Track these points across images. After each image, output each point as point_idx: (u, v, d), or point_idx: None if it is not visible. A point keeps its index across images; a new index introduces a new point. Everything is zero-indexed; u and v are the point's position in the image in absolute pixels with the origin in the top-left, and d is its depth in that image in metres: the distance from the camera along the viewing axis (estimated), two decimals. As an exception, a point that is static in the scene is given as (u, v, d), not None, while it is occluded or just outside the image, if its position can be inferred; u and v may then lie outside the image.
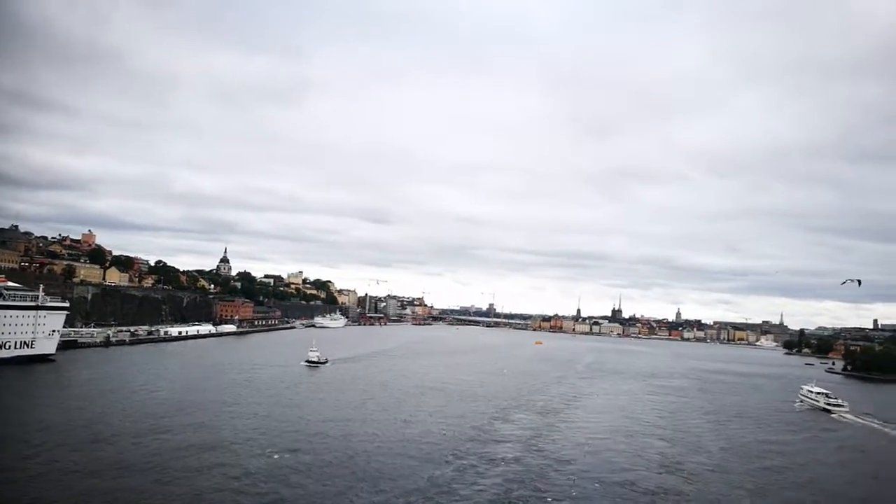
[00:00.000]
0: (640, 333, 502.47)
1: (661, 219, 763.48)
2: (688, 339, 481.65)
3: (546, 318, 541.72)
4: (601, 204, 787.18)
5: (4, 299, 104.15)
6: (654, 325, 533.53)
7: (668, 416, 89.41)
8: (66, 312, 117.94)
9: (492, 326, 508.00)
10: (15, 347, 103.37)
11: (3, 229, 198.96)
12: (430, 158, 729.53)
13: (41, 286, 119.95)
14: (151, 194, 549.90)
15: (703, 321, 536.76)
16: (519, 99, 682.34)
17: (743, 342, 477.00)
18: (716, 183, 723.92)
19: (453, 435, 66.39)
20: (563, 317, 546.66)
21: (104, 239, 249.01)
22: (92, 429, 59.16)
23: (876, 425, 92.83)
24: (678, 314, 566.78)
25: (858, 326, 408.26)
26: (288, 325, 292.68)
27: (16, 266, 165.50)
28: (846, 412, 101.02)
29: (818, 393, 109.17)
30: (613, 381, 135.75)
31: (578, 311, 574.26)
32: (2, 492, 40.59)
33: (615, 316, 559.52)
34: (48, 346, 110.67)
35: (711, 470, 58.19)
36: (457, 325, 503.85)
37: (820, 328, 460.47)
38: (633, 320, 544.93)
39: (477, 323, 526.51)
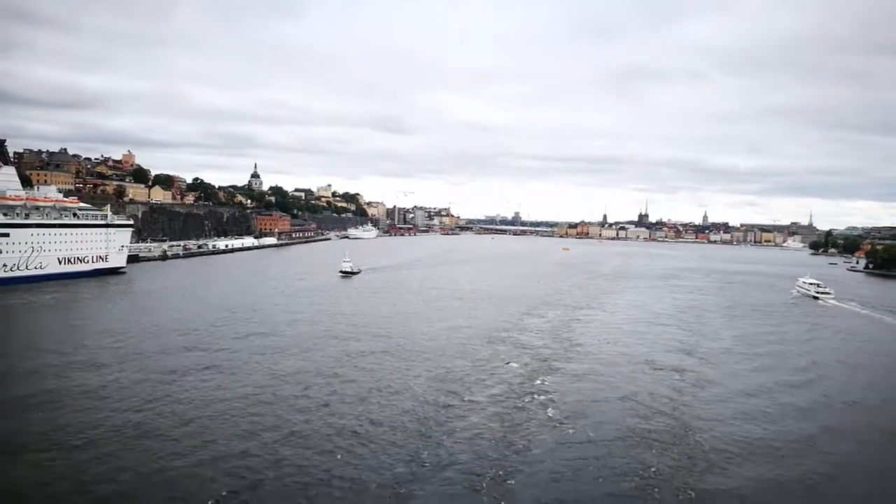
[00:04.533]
0: (666, 237, 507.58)
1: (680, 120, 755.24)
2: (714, 242, 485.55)
3: (572, 225, 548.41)
4: (615, 107, 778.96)
5: (79, 219, 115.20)
6: (681, 228, 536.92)
7: (686, 310, 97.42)
8: (131, 229, 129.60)
9: (518, 235, 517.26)
10: (92, 261, 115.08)
11: (53, 153, 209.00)
12: (440, 65, 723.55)
13: (109, 206, 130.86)
14: (168, 111, 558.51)
15: (730, 224, 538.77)
16: (525, 4, 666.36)
17: (770, 244, 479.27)
18: (733, 82, 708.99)
19: (487, 327, 75.60)
20: (590, 223, 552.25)
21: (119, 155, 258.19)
22: (182, 324, 69.63)
23: (853, 308, 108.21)
24: (705, 217, 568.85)
25: (890, 225, 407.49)
26: (323, 237, 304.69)
27: (72, 187, 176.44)
28: (831, 298, 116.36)
29: (810, 283, 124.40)
30: (637, 282, 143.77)
31: (605, 216, 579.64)
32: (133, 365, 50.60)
33: (641, 220, 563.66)
34: (119, 260, 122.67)
35: (723, 352, 66.89)
36: (483, 234, 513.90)
37: (850, 228, 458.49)
38: (659, 224, 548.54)
39: (504, 232, 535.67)
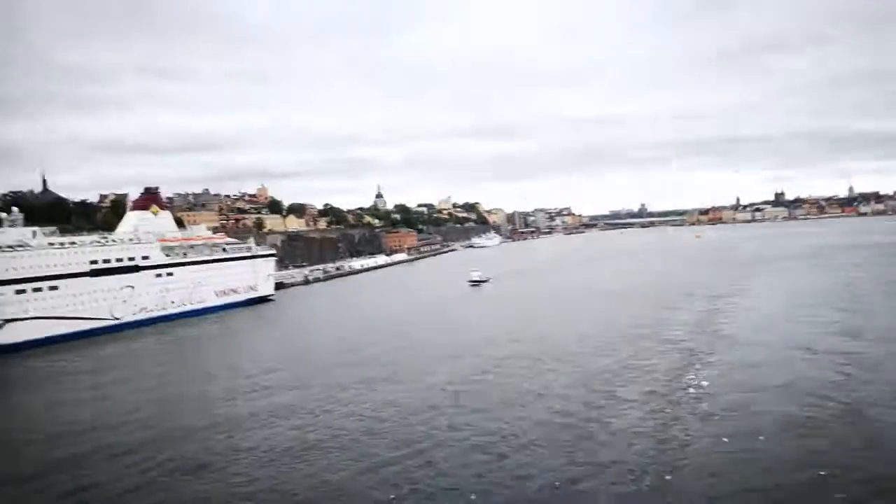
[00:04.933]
0: (807, 215, 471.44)
1: (809, 89, 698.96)
2: (864, 214, 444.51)
3: (703, 211, 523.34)
4: (738, 82, 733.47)
5: (228, 253, 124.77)
6: (824, 203, 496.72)
7: (841, 289, 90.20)
8: (275, 258, 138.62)
9: (646, 227, 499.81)
10: (244, 291, 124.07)
11: (198, 194, 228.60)
12: (545, 62, 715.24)
13: (251, 238, 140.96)
14: (290, 142, 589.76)
15: (881, 193, 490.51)
16: None
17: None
18: (864, 40, 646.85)
19: (625, 324, 73.33)
20: (721, 207, 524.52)
21: (252, 189, 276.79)
22: (335, 343, 73.26)
23: None
24: (850, 189, 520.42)
25: None
26: (449, 249, 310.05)
27: (217, 224, 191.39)
28: None
29: None
30: (780, 264, 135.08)
31: (737, 199, 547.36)
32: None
33: (778, 200, 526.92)
34: (268, 288, 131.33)
35: (888, 330, 61.17)
36: (609, 229, 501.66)
37: None
38: (798, 202, 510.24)
39: (630, 225, 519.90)
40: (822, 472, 30.78)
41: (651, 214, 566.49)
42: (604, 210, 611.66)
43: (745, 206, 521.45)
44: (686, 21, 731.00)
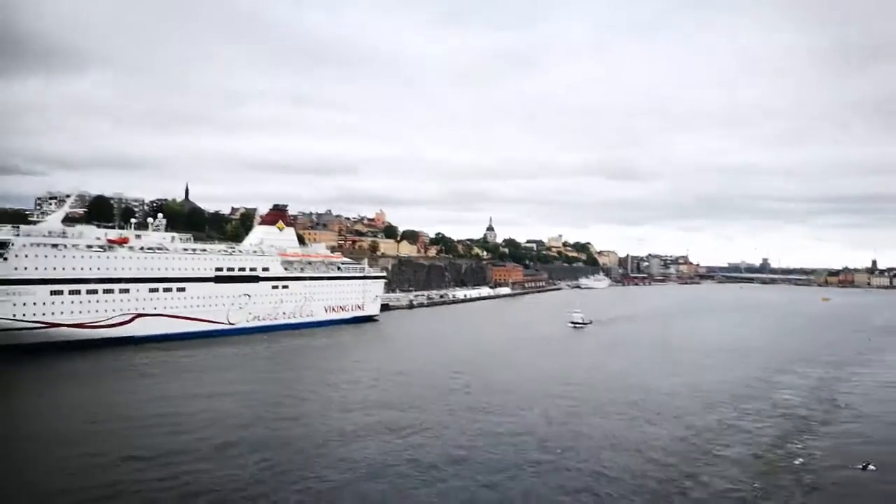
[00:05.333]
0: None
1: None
2: None
3: (833, 273, 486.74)
4: (885, 138, 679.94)
5: (342, 272, 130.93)
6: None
7: None
8: (384, 280, 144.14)
9: (767, 283, 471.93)
10: (351, 310, 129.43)
11: (320, 214, 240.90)
12: (677, 105, 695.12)
13: (365, 259, 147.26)
14: (410, 171, 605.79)
15: None
16: (766, 33, 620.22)
17: None
18: None
19: (733, 384, 70.12)
20: (855, 270, 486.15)
21: (371, 214, 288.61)
22: (430, 368, 75.22)
23: None
24: None
25: None
26: (554, 287, 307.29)
27: (335, 244, 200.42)
28: None
29: None
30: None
31: (874, 262, 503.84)
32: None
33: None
34: (374, 309, 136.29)
35: None
36: (726, 282, 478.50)
37: None
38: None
39: (750, 280, 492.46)
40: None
41: (773, 271, 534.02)
42: (722, 262, 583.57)
43: (882, 271, 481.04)
44: (831, 72, 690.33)
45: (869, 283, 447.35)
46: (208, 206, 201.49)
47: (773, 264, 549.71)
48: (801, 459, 43.58)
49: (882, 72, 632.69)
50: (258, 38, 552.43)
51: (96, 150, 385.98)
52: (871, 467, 42.02)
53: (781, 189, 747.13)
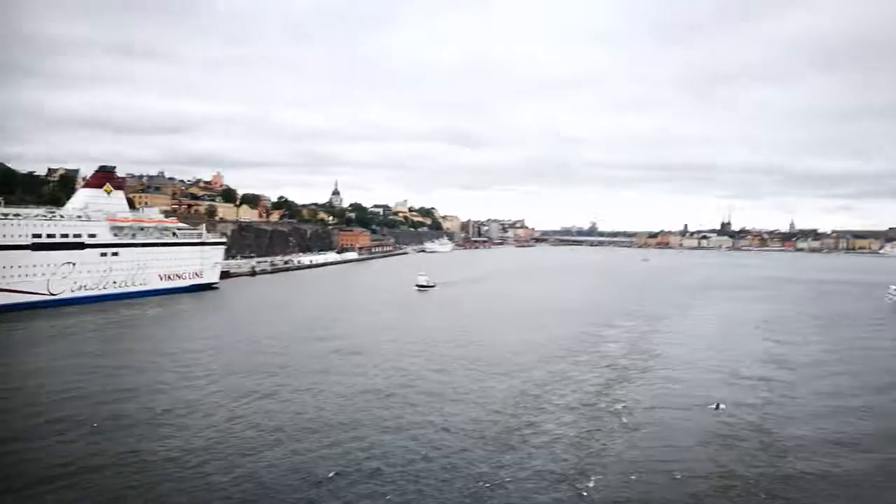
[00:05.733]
0: (750, 246, 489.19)
1: (769, 123, 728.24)
2: (801, 250, 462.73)
3: (652, 235, 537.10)
4: (699, 111, 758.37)
5: (178, 238, 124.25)
6: (766, 236, 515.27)
7: (773, 321, 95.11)
8: (224, 246, 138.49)
9: (595, 246, 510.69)
10: (189, 277, 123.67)
11: (152, 176, 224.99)
12: (514, 74, 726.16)
13: (203, 225, 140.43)
14: (253, 132, 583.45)
15: (819, 230, 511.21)
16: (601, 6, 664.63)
17: (865, 250, 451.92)
18: (825, 81, 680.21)
19: (563, 338, 76.78)
20: (670, 232, 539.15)
21: (209, 176, 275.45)
22: (274, 336, 74.55)
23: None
24: (792, 224, 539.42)
25: None
26: (401, 252, 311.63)
27: (168, 208, 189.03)
28: None
29: None
30: (717, 293, 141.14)
31: (685, 225, 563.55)
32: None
33: (724, 229, 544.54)
34: (213, 276, 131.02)
35: (810, 364, 65.96)
36: (560, 245, 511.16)
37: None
38: (743, 233, 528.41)
39: (580, 243, 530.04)
40: (727, 482, 34.32)
41: (601, 234, 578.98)
42: (555, 226, 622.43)
43: (692, 233, 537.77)
44: (661, 45, 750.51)
45: (681, 245, 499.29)
46: (20, 167, 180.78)
47: (601, 227, 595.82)
48: (623, 404, 49.02)
49: (703, 50, 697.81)
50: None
51: None
52: (721, 406, 48.10)
53: (608, 157, 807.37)
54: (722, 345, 75.43)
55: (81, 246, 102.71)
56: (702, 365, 63.92)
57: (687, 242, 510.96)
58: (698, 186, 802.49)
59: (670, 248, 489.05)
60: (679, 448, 39.68)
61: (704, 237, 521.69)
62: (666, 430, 43.17)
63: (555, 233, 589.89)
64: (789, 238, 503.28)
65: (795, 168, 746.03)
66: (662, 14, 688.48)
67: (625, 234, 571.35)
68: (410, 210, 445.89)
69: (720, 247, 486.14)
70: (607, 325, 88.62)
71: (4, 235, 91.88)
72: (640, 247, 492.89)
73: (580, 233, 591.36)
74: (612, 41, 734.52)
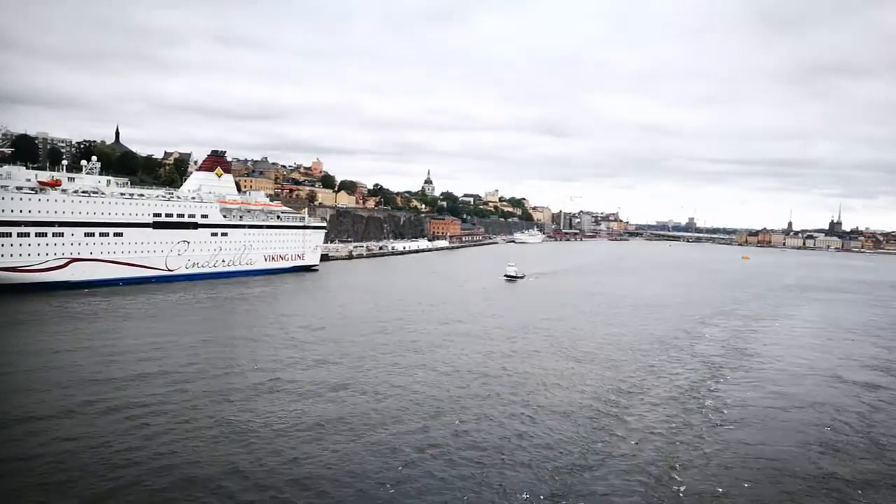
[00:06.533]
0: (862, 248, 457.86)
1: (880, 117, 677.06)
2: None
3: (753, 233, 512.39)
4: (803, 104, 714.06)
5: (282, 221, 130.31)
6: (881, 238, 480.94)
7: (886, 327, 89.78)
8: (324, 230, 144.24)
9: (692, 242, 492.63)
10: (291, 259, 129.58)
11: (256, 161, 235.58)
12: (607, 66, 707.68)
13: (305, 209, 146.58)
14: (346, 120, 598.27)
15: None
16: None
17: None
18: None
19: (656, 334, 75.40)
20: (772, 230, 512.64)
21: (308, 162, 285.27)
22: (373, 315, 77.33)
23: None
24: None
25: None
26: (491, 241, 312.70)
27: (272, 192, 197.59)
28: None
29: None
30: (826, 295, 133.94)
31: (790, 224, 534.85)
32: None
33: (833, 229, 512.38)
34: (314, 258, 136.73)
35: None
36: (654, 240, 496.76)
37: None
38: (854, 233, 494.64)
39: (676, 238, 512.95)
40: (823, 484, 33.32)
41: (699, 230, 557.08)
42: (651, 220, 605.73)
43: (797, 232, 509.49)
44: (763, 36, 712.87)
45: (784, 244, 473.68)
46: (140, 150, 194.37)
47: (699, 223, 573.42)
48: (710, 401, 48.06)
49: (797, 42, 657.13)
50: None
51: (6, 84, 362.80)
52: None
53: (707, 150, 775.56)
54: (827, 347, 72.21)
55: (195, 226, 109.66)
56: (803, 366, 61.57)
57: (791, 242, 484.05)
58: (804, 184, 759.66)
59: (772, 246, 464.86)
60: (774, 447, 38.68)
61: (810, 237, 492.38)
62: (761, 429, 42.11)
63: (649, 227, 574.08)
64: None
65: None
66: (763, 4, 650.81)
67: (724, 231, 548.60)
68: (501, 200, 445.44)
69: (828, 247, 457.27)
70: (704, 322, 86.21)
71: (132, 214, 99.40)
72: (740, 244, 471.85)
73: (676, 228, 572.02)
74: (704, 31, 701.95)
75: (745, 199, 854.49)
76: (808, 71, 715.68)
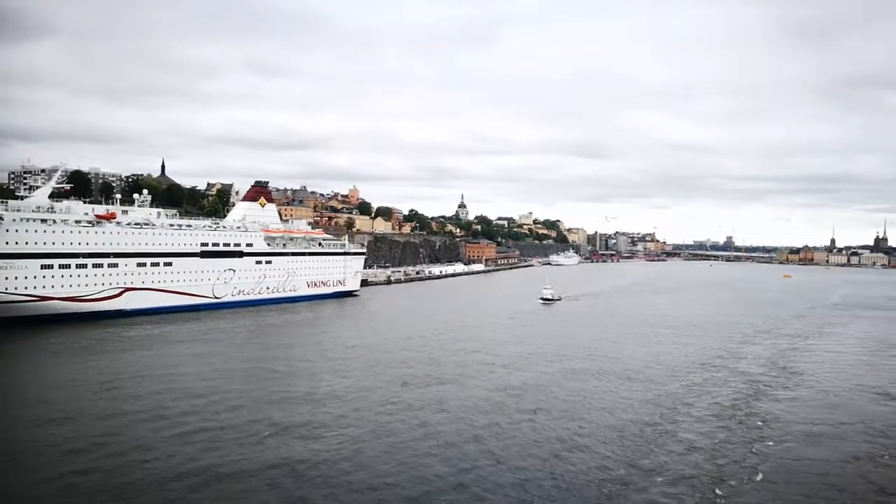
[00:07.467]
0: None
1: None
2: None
3: (794, 251, 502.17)
4: (840, 117, 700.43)
5: (323, 248, 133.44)
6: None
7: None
8: (364, 256, 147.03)
9: (731, 261, 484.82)
10: (333, 285, 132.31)
11: (295, 190, 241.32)
12: (637, 83, 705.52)
13: (345, 236, 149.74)
14: (379, 146, 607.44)
15: None
16: (721, 9, 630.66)
17: None
18: None
19: (697, 354, 75.09)
20: (814, 248, 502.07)
21: (344, 189, 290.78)
22: (413, 341, 78.82)
23: None
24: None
25: None
26: (526, 264, 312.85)
27: (312, 220, 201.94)
28: None
29: None
30: (873, 313, 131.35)
31: (832, 241, 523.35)
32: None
33: (878, 245, 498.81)
34: (354, 284, 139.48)
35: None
36: (693, 259, 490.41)
37: None
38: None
39: (715, 258, 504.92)
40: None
41: (738, 248, 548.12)
42: (688, 239, 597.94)
43: (840, 249, 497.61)
44: (797, 48, 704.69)
45: (827, 262, 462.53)
46: (183, 182, 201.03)
47: (737, 242, 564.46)
48: (755, 417, 48.21)
49: (831, 53, 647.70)
50: (211, 6, 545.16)
51: (52, 122, 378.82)
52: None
53: (742, 167, 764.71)
54: (875, 365, 71.28)
55: (240, 254, 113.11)
56: (851, 383, 61.13)
57: (834, 259, 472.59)
58: (846, 200, 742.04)
59: (815, 264, 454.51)
60: (822, 462, 38.87)
61: (855, 253, 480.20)
62: (808, 444, 42.29)
63: (687, 247, 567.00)
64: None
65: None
66: (795, 14, 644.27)
67: (763, 249, 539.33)
68: (535, 222, 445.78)
69: (873, 264, 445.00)
70: (745, 342, 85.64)
71: (181, 244, 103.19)
72: (780, 262, 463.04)
73: (714, 247, 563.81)
74: (731, 45, 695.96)
75: (783, 216, 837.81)
76: (844, 83, 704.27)
